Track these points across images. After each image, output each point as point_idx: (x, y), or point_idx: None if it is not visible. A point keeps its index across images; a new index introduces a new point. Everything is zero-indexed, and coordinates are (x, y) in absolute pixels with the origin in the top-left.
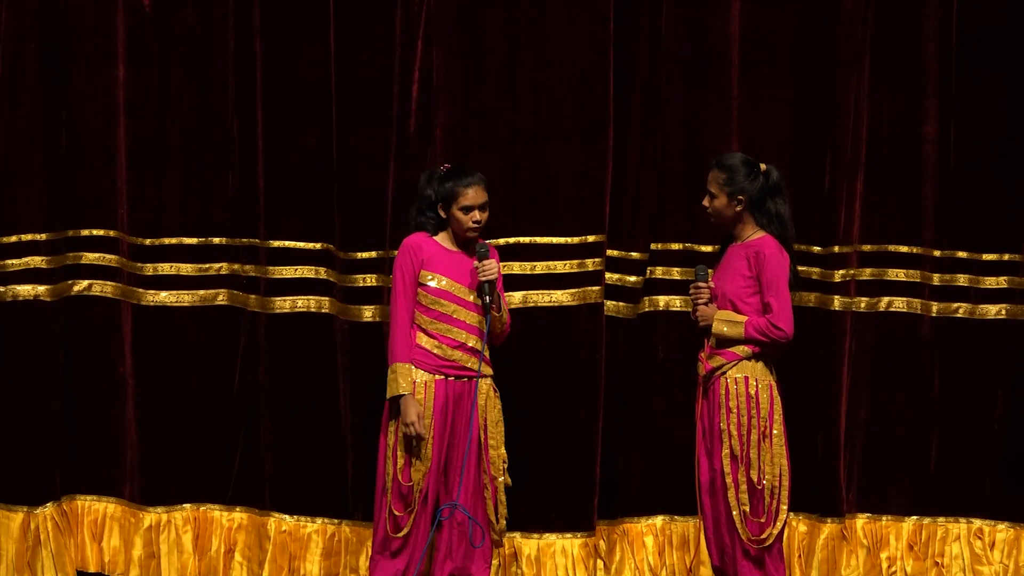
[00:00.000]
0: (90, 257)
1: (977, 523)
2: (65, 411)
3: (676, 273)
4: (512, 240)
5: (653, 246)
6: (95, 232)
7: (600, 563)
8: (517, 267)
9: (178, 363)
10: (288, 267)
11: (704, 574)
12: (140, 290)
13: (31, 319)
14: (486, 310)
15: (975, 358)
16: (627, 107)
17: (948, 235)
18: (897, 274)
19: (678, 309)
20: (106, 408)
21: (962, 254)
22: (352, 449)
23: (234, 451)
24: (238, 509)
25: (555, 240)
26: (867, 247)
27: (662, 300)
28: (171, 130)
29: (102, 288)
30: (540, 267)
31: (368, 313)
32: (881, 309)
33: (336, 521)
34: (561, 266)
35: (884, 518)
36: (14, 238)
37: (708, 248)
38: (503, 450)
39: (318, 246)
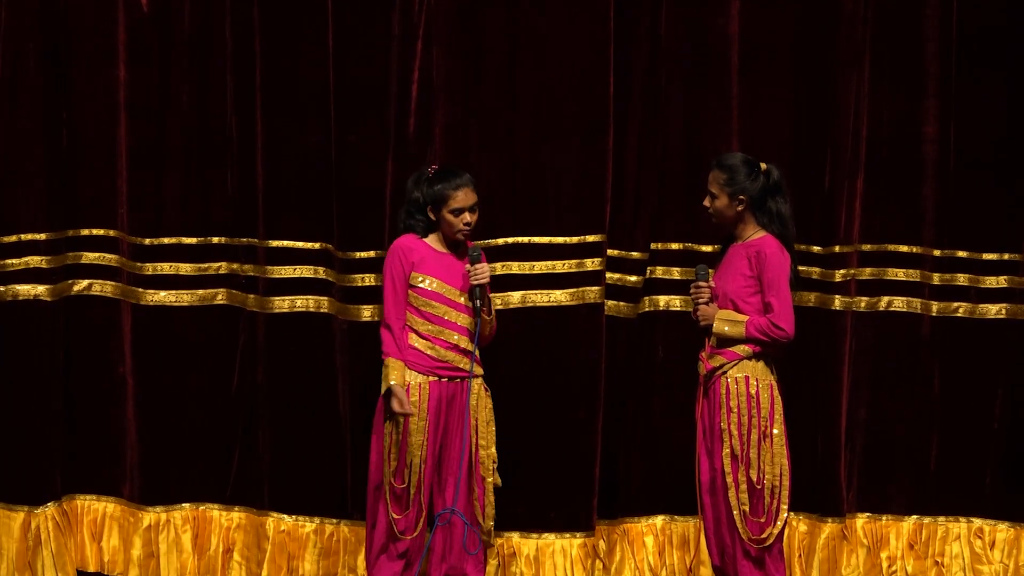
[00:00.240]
0: (90, 257)
1: (977, 522)
2: (65, 411)
3: (676, 273)
4: (511, 240)
5: (653, 246)
6: (95, 232)
7: (599, 563)
8: (516, 267)
9: (177, 363)
10: (287, 267)
11: (704, 574)
12: (140, 290)
13: (31, 319)
14: (476, 312)
15: (975, 358)
16: (627, 107)
17: (948, 235)
18: (897, 274)
19: (678, 309)
20: (106, 408)
21: (962, 253)
22: (351, 449)
23: (233, 451)
24: (237, 509)
25: (554, 240)
26: (867, 247)
27: (662, 300)
28: (171, 130)
29: (102, 288)
30: (539, 267)
31: (367, 313)
32: (881, 309)
33: (334, 521)
34: (561, 266)
35: (884, 517)
36: (14, 238)
37: (708, 248)
38: (493, 450)
39: (317, 246)
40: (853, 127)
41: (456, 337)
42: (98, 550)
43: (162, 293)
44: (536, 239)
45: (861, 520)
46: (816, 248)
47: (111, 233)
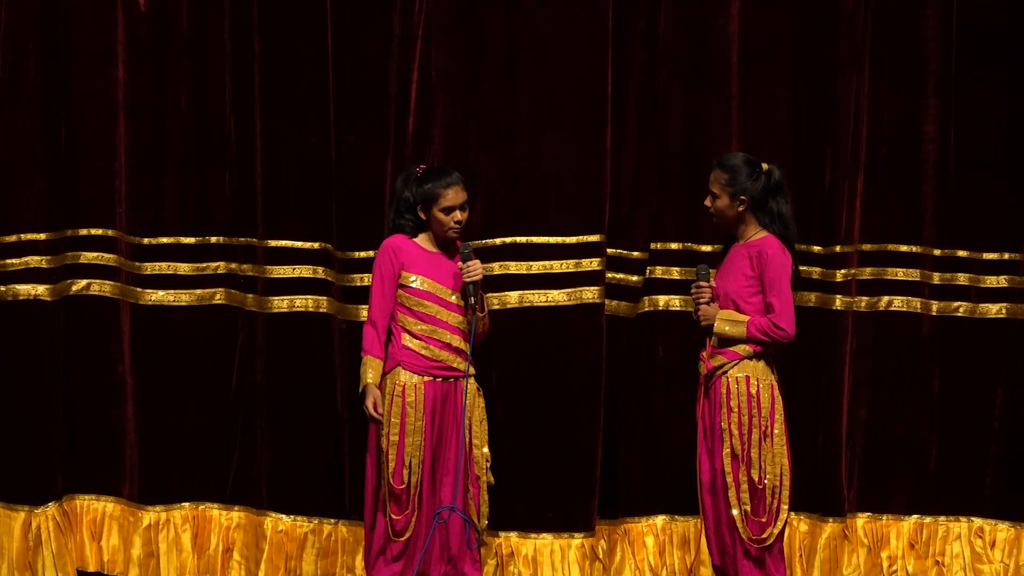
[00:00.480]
0: (88, 256)
1: (978, 522)
2: (64, 411)
3: (676, 273)
4: (509, 240)
5: (653, 246)
6: (93, 231)
7: (599, 564)
8: (514, 267)
9: (176, 362)
10: (286, 266)
11: (705, 574)
12: (138, 289)
13: (31, 319)
14: (472, 311)
15: (975, 357)
16: (626, 107)
17: (948, 234)
18: (897, 273)
19: (678, 309)
20: (105, 407)
21: (962, 253)
22: (349, 449)
23: (232, 450)
24: (236, 508)
25: (552, 240)
26: (867, 246)
27: (662, 300)
28: (169, 130)
29: (100, 287)
30: (537, 267)
31: (366, 313)
32: (881, 308)
33: (333, 521)
34: (560, 266)
35: (885, 517)
36: (14, 237)
37: (708, 247)
38: (486, 449)
39: (316, 245)
40: (853, 127)
41: (449, 336)
42: (98, 549)
43: (161, 293)
44: (535, 239)
45: (862, 520)
46: (816, 248)
47: (110, 233)
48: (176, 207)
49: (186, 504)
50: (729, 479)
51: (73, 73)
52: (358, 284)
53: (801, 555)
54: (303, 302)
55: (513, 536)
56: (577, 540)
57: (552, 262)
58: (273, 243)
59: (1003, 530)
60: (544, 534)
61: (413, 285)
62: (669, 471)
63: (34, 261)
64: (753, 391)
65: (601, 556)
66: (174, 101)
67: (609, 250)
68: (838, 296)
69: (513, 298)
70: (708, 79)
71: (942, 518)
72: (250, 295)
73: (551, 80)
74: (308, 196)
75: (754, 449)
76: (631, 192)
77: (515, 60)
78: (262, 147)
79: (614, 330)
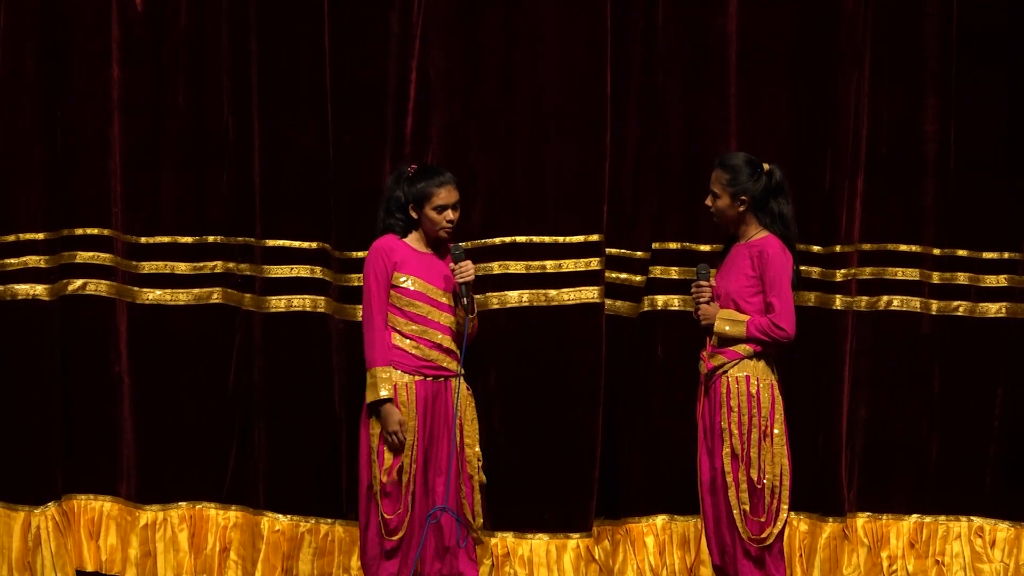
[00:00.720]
0: (84, 256)
1: (978, 521)
2: (62, 410)
3: (675, 272)
4: (508, 239)
5: (652, 245)
6: (89, 231)
7: (594, 565)
8: (514, 267)
9: (173, 362)
10: (283, 266)
11: (705, 574)
12: (135, 288)
13: (30, 319)
14: (466, 311)
15: (975, 357)
16: (625, 106)
17: (948, 233)
18: (897, 273)
19: (676, 308)
20: (102, 407)
21: (962, 252)
22: (346, 449)
23: (229, 450)
24: (233, 508)
25: (550, 239)
26: (867, 246)
27: (661, 299)
28: (166, 129)
29: (96, 287)
30: (536, 266)
31: (363, 313)
32: (881, 308)
33: (330, 521)
34: (559, 265)
35: (885, 517)
36: (12, 237)
37: (707, 247)
38: (478, 448)
39: (314, 245)
40: (853, 126)
41: (440, 337)
42: (96, 549)
43: (158, 292)
44: (535, 238)
45: (862, 519)
46: (816, 248)
47: (105, 232)
48: (173, 206)
49: (183, 503)
50: (729, 479)
51: (69, 72)
52: (356, 284)
53: (801, 555)
54: (301, 302)
55: (509, 536)
56: (573, 541)
57: (551, 261)
58: (271, 243)
59: (1003, 529)
60: (540, 534)
61: (404, 285)
62: (669, 471)
63: (32, 261)
64: (753, 391)
65: (597, 557)
66: (171, 100)
67: (612, 250)
68: (838, 296)
69: (513, 297)
70: (707, 79)
71: (942, 517)
72: (248, 295)
73: (550, 79)
74: (306, 196)
75: (754, 449)
76: (632, 192)
77: (513, 59)
78: (260, 146)
79: (617, 330)
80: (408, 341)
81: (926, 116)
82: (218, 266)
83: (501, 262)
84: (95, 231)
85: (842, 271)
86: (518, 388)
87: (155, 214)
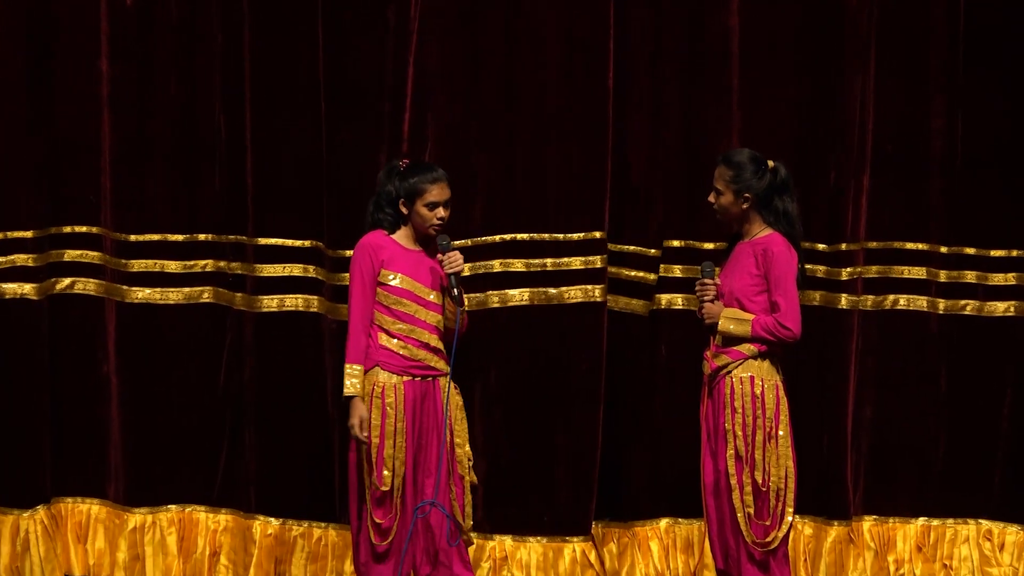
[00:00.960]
0: (72, 254)
1: (986, 524)
2: (50, 411)
3: (678, 271)
4: (508, 237)
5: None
6: (78, 229)
7: (591, 571)
8: (514, 265)
9: (163, 362)
10: (276, 265)
11: None
12: (124, 287)
13: (18, 318)
14: (455, 303)
15: (983, 356)
16: (627, 103)
17: (955, 231)
18: (904, 271)
19: (680, 307)
20: (90, 408)
21: (970, 250)
22: (339, 451)
23: (219, 452)
24: (224, 511)
25: (549, 237)
26: (873, 244)
27: (664, 298)
28: (156, 125)
29: (84, 286)
30: (536, 264)
31: None
32: (887, 307)
33: (323, 524)
34: (558, 264)
35: (891, 520)
36: (0, 235)
37: (710, 245)
38: (468, 448)
39: (307, 244)
40: (859, 122)
41: (428, 336)
42: (83, 553)
43: (147, 291)
44: (535, 236)
45: (868, 523)
46: (821, 246)
47: (94, 230)
48: (164, 204)
49: (172, 506)
50: (733, 481)
51: (56, 67)
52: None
53: (806, 559)
54: (293, 301)
55: (508, 540)
56: (572, 544)
57: (554, 259)
58: (263, 241)
59: (1012, 533)
60: (540, 537)
61: (392, 283)
62: (672, 472)
63: (20, 259)
64: (758, 391)
65: (604, 560)
66: (162, 96)
67: (628, 247)
68: (844, 295)
69: (513, 295)
70: (709, 74)
71: (950, 520)
72: (239, 294)
73: (550, 75)
74: (299, 193)
75: (758, 451)
76: (646, 189)
77: (514, 56)
78: (252, 143)
79: (629, 328)
80: (395, 341)
81: (933, 111)
82: (209, 265)
83: (503, 259)
84: (84, 229)
85: (848, 270)
86: (518, 387)
87: (145, 212)
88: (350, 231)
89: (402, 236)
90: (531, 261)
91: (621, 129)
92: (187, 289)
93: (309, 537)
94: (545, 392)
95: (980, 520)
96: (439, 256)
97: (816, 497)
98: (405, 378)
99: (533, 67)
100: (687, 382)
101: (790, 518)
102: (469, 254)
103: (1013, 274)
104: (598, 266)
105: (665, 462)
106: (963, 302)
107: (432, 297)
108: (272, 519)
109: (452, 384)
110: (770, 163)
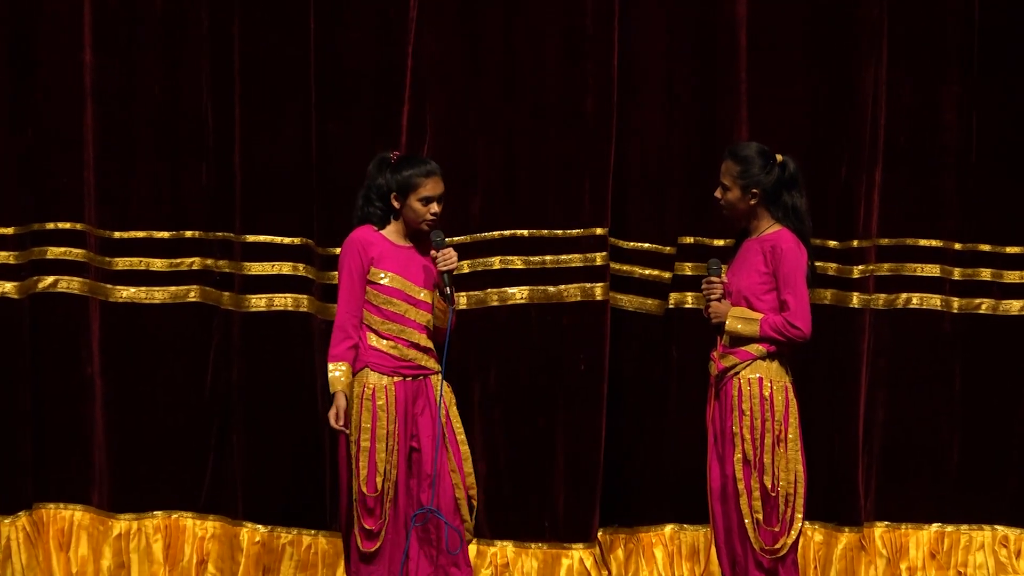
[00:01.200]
0: (56, 252)
1: (1002, 530)
2: (33, 414)
3: (688, 269)
4: (508, 232)
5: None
6: (61, 225)
7: (603, 573)
8: (514, 262)
9: (148, 363)
10: (265, 263)
11: None
12: (108, 286)
13: (1, 319)
14: (447, 301)
15: (999, 356)
16: (630, 96)
17: (970, 227)
18: (917, 269)
19: (691, 306)
20: (73, 410)
21: (985, 247)
22: (330, 456)
23: (207, 456)
24: (211, 517)
25: (547, 233)
26: (885, 241)
27: (674, 296)
28: (141, 118)
29: (68, 284)
30: (535, 261)
31: None
32: (900, 306)
33: (312, 531)
34: (559, 261)
35: (904, 526)
36: None
37: (720, 242)
38: (466, 447)
39: (296, 241)
40: (871, 115)
41: (418, 336)
42: (66, 561)
43: (132, 290)
44: (535, 232)
45: (880, 529)
46: (832, 243)
47: (78, 227)
48: (149, 199)
49: (158, 513)
50: (740, 486)
51: (38, 57)
52: None
53: (816, 567)
54: (282, 301)
55: (509, 546)
56: (578, 551)
57: (550, 256)
58: (251, 238)
59: None
60: (541, 543)
61: (381, 282)
62: (678, 477)
63: (1, 257)
64: (766, 393)
65: (590, 568)
66: (148, 87)
67: (642, 244)
68: (855, 293)
69: (512, 293)
70: (716, 65)
71: (964, 526)
72: (226, 293)
73: (551, 67)
74: (289, 189)
75: (767, 455)
76: (659, 185)
77: (513, 48)
78: (241, 136)
79: (641, 328)
80: (385, 341)
81: (946, 104)
82: (195, 263)
83: (502, 256)
84: (67, 225)
85: (859, 267)
86: (518, 388)
87: (130, 207)
88: (341, 228)
89: (392, 232)
90: (530, 258)
91: (628, 122)
92: (173, 288)
93: (298, 545)
94: (545, 393)
95: (996, 526)
96: (432, 253)
97: (826, 502)
98: (396, 379)
99: (534, 59)
100: (694, 383)
101: (799, 524)
102: (468, 251)
103: None
104: (598, 263)
105: (670, 466)
106: (978, 300)
107: (423, 296)
108: (260, 526)
109: (444, 383)
110: (778, 157)
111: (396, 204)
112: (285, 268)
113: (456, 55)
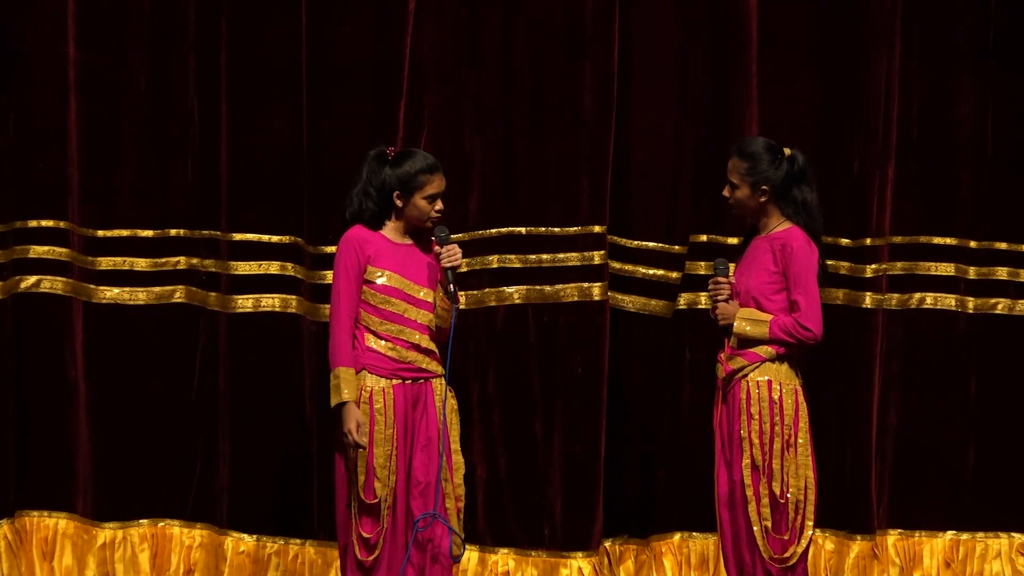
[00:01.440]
0: (39, 251)
1: (1019, 538)
2: (15, 418)
3: (701, 267)
4: (505, 230)
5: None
6: (44, 223)
7: None
8: (511, 260)
9: (133, 366)
10: (252, 262)
11: None
12: (92, 286)
13: None
14: (451, 300)
15: (1015, 357)
16: (634, 91)
17: (986, 225)
18: (931, 268)
19: (702, 307)
20: (57, 414)
21: (1001, 245)
22: (318, 462)
23: (194, 462)
24: (199, 526)
25: (544, 231)
26: (899, 239)
27: (684, 297)
28: (126, 113)
29: (51, 284)
30: (532, 260)
31: None
32: (914, 306)
33: (299, 541)
34: (555, 259)
35: (918, 534)
36: None
37: (734, 240)
38: (460, 457)
39: (285, 239)
40: (883, 109)
41: (418, 336)
42: (50, 570)
43: (116, 290)
44: (533, 229)
45: (893, 537)
46: (844, 241)
47: (61, 225)
48: (133, 197)
49: (144, 521)
50: (749, 493)
51: (20, 51)
52: (330, 282)
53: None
54: (270, 301)
55: (511, 554)
56: (574, 560)
57: (547, 255)
58: (238, 237)
59: None
60: (541, 552)
61: (379, 281)
62: (685, 483)
63: None
64: (775, 396)
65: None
66: (132, 82)
67: (648, 243)
68: (868, 293)
69: (510, 292)
70: (725, 57)
71: (980, 534)
72: (213, 293)
73: (551, 61)
74: (277, 186)
75: (776, 460)
76: (666, 182)
77: (512, 42)
78: (228, 131)
79: (646, 330)
80: (383, 343)
81: (962, 97)
82: (181, 262)
83: (500, 254)
84: (50, 223)
85: (872, 266)
86: (517, 391)
87: (113, 205)
88: (331, 226)
89: (390, 229)
90: (527, 257)
91: (632, 118)
92: (158, 288)
93: (285, 555)
94: (543, 396)
95: (1012, 533)
96: (436, 249)
97: (838, 509)
98: (395, 381)
99: (533, 54)
100: (701, 386)
101: (810, 532)
102: (466, 249)
103: None
104: (596, 262)
105: (678, 472)
106: (994, 300)
107: (423, 295)
108: (245, 535)
109: (448, 388)
110: (786, 151)
111: (399, 202)
112: (273, 267)
113: (455, 49)
